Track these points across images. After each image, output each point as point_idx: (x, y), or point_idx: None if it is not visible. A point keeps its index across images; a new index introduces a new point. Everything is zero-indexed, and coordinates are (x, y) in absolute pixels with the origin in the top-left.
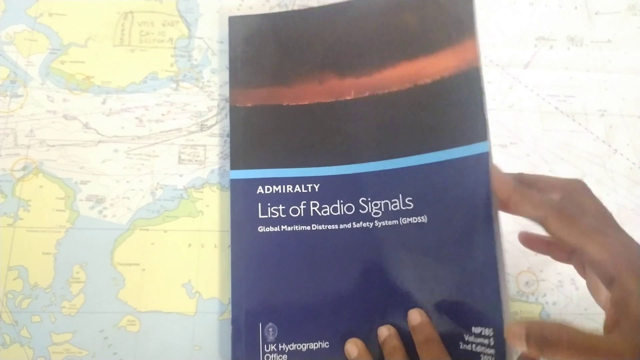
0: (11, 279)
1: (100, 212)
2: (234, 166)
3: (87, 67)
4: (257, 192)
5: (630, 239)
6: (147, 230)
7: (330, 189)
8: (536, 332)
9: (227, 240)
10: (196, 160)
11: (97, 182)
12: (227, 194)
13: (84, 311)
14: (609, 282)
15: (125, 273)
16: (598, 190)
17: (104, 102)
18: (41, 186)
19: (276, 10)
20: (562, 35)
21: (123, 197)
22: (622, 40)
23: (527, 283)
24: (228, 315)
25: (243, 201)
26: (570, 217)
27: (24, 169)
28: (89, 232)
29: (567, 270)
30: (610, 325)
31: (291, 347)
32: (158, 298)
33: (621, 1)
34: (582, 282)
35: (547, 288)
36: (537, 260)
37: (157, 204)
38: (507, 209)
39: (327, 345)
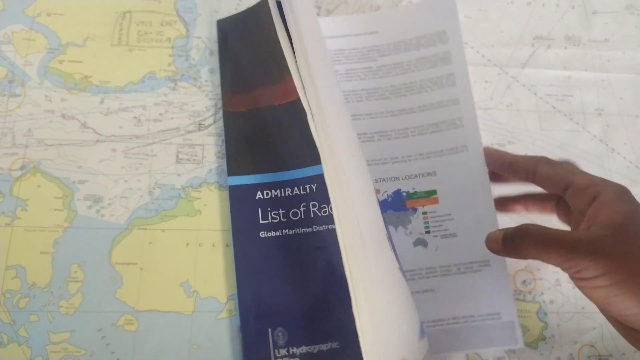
0: (9, 279)
1: (97, 211)
2: (231, 172)
3: (85, 66)
4: (257, 198)
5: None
6: (145, 229)
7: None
8: (508, 233)
9: (225, 240)
10: (194, 160)
11: (94, 182)
12: (225, 194)
13: (82, 310)
14: (590, 202)
15: (123, 272)
16: None
17: (102, 102)
18: (39, 186)
19: None
20: (559, 35)
21: (121, 197)
22: (619, 40)
23: (524, 282)
24: (226, 315)
25: (243, 207)
26: (558, 163)
27: (21, 168)
28: (86, 231)
29: None
30: (580, 229)
31: (302, 350)
32: (156, 297)
33: (619, 1)
34: None
35: (545, 287)
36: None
37: (155, 203)
38: (503, 170)
39: (337, 345)
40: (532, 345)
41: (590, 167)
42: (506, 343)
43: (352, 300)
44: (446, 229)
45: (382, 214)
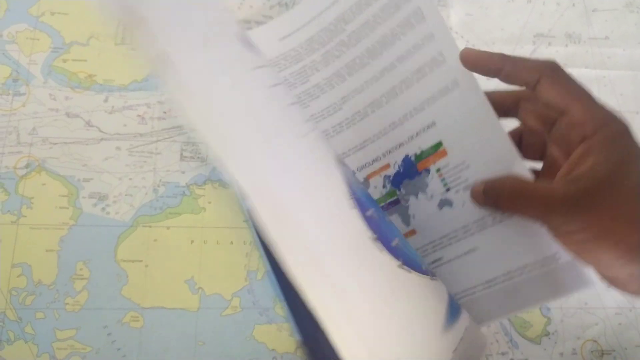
0: (15, 276)
1: (103, 209)
2: None
3: (89, 65)
4: None
5: (608, 109)
6: (150, 227)
7: None
8: (488, 186)
9: (230, 237)
10: (198, 157)
11: (99, 180)
12: (229, 191)
13: (88, 308)
14: (580, 140)
15: (128, 269)
16: None
17: (106, 100)
18: (44, 184)
19: (276, 9)
20: (560, 32)
21: (126, 194)
22: (619, 37)
23: None
24: (231, 311)
25: None
26: (563, 79)
27: (26, 166)
28: (92, 229)
29: None
30: (560, 177)
31: None
32: (161, 294)
33: None
34: None
35: None
36: None
37: (160, 200)
38: (500, 76)
39: None
40: (535, 340)
41: None
42: (576, 286)
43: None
44: (466, 179)
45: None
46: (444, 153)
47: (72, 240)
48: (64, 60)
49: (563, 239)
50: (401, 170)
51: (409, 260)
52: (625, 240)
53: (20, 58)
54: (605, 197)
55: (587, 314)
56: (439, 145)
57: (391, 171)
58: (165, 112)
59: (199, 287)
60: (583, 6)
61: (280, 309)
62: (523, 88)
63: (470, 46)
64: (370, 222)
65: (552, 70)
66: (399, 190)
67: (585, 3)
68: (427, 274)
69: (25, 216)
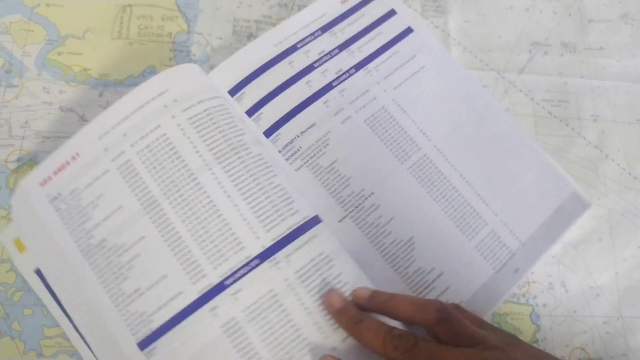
0: (3, 272)
1: None
2: None
3: (85, 59)
4: None
5: None
6: None
7: None
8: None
9: None
10: None
11: None
12: None
13: None
14: None
15: None
16: (590, 195)
17: (101, 95)
18: None
19: (276, 9)
20: (556, 42)
21: None
22: (614, 48)
23: (517, 284)
24: None
25: None
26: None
27: (18, 160)
28: None
29: (558, 273)
30: None
31: None
32: None
33: (613, 10)
34: (572, 284)
35: (538, 290)
36: None
37: None
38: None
39: None
40: None
41: (585, 172)
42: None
43: None
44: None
45: None
46: None
47: None
48: (59, 53)
49: None
50: None
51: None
52: None
53: (13, 49)
54: None
55: (575, 322)
56: None
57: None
58: None
59: None
60: (579, 16)
61: None
62: None
63: (467, 52)
64: None
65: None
66: None
67: (581, 13)
68: None
69: None
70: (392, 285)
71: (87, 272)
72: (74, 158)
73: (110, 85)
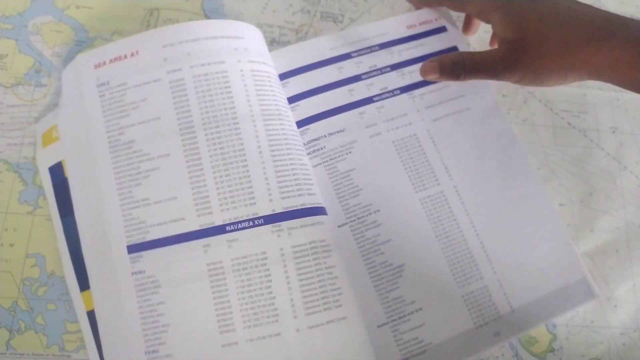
0: (29, 266)
1: None
2: None
3: None
4: None
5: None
6: None
7: None
8: (444, 62)
9: None
10: None
11: None
12: None
13: None
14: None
15: None
16: (607, 207)
17: None
18: None
19: (299, 15)
20: None
21: None
22: None
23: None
24: None
25: None
26: None
27: None
28: None
29: None
30: (498, 43)
31: None
32: None
33: None
34: None
35: None
36: None
37: None
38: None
39: None
40: (540, 356)
41: (603, 184)
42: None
43: None
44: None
45: None
46: None
47: None
48: None
49: (515, 83)
50: None
51: None
52: (558, 64)
53: (43, 49)
54: (525, 46)
55: (592, 333)
56: None
57: None
58: None
59: None
60: None
61: None
62: None
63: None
64: None
65: None
66: None
67: None
68: None
69: (42, 207)
70: (368, 305)
71: (107, 165)
72: (132, 54)
73: None
